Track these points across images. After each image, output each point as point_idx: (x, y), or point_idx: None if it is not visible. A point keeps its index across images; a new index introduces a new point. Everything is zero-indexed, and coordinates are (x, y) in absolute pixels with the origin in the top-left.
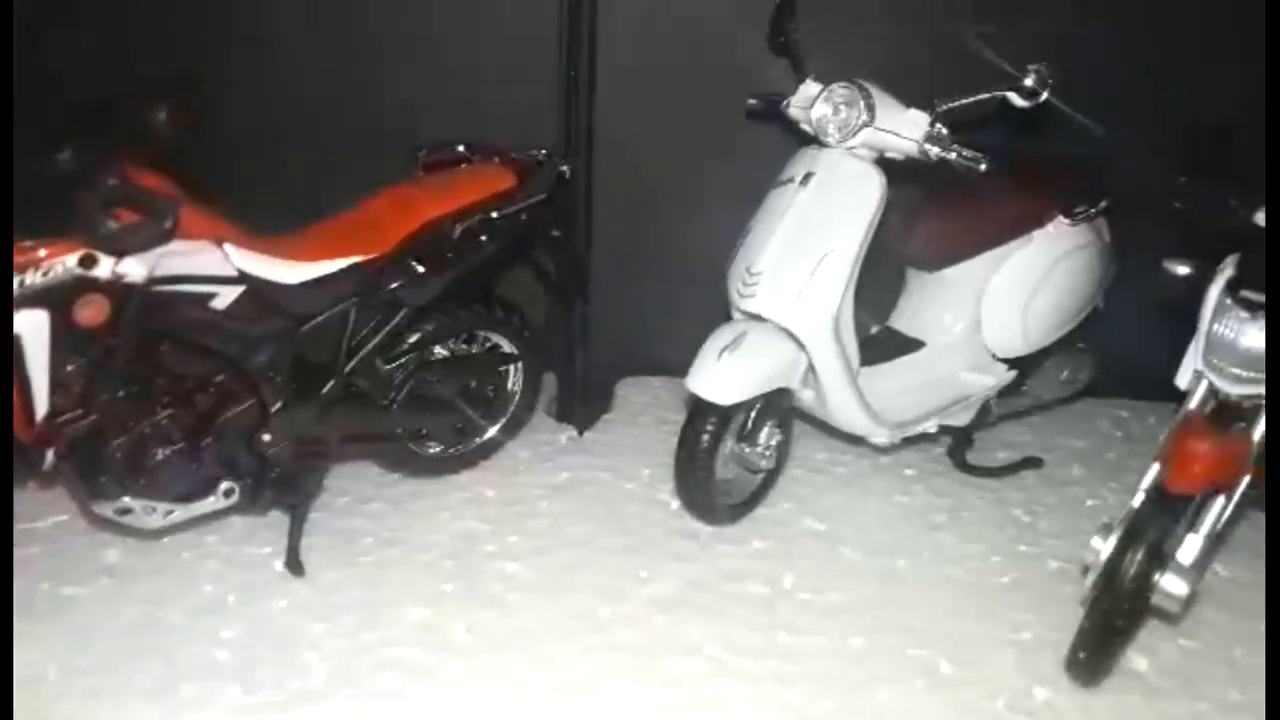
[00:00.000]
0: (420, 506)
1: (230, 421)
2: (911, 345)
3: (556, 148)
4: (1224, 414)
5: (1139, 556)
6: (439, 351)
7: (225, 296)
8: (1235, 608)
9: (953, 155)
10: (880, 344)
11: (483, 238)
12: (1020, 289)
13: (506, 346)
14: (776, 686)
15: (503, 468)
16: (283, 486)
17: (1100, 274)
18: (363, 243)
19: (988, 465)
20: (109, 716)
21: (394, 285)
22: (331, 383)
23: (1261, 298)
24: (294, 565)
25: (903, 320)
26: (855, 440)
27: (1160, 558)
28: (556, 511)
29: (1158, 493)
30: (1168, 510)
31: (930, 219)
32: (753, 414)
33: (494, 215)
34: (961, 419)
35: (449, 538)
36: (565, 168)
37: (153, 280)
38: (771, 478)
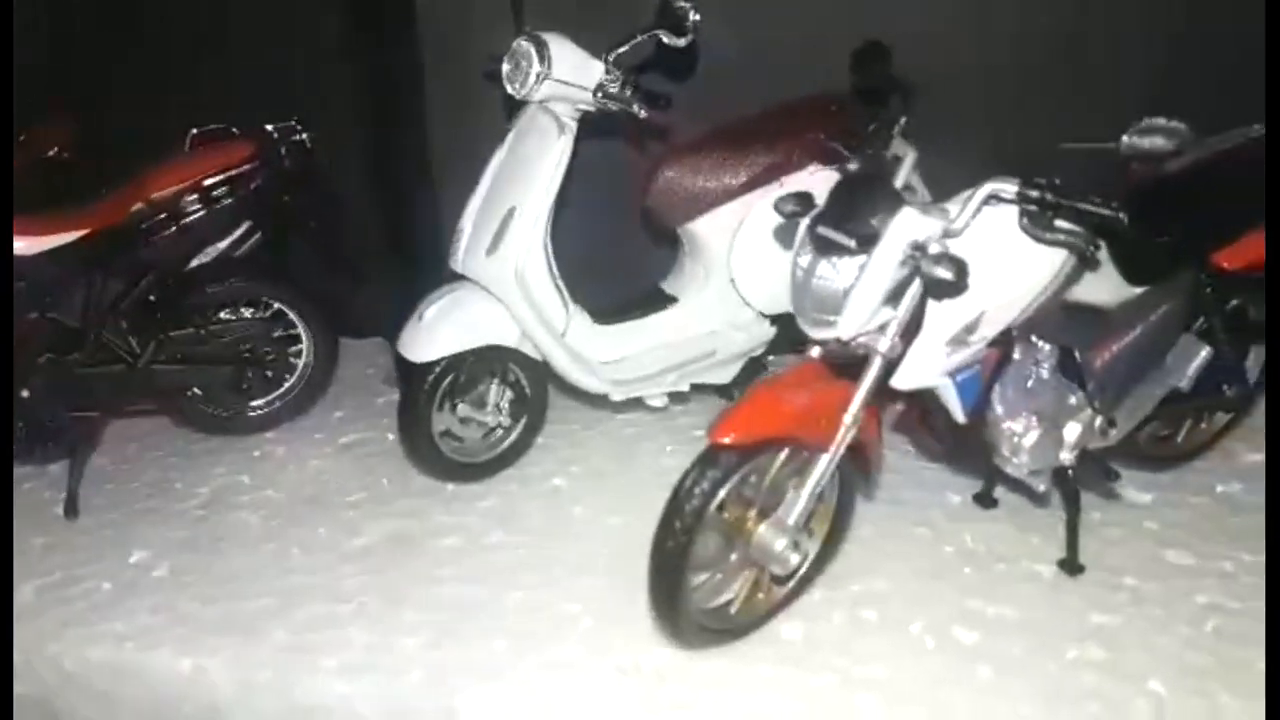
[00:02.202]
0: (210, 460)
1: None
2: (663, 302)
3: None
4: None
5: (686, 506)
6: (224, 316)
7: None
8: (957, 584)
9: (617, 105)
10: (635, 301)
11: (200, 207)
12: (772, 240)
13: (290, 314)
14: (399, 636)
15: (305, 428)
16: (57, 438)
17: None
18: (96, 216)
19: None
20: None
21: (123, 252)
22: (81, 344)
23: (834, 234)
24: (70, 509)
25: (668, 277)
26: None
27: (753, 510)
28: (322, 469)
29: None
30: (721, 460)
31: (670, 170)
32: (464, 372)
33: (206, 183)
34: (720, 377)
35: (213, 490)
36: (303, 136)
37: None
38: (525, 436)
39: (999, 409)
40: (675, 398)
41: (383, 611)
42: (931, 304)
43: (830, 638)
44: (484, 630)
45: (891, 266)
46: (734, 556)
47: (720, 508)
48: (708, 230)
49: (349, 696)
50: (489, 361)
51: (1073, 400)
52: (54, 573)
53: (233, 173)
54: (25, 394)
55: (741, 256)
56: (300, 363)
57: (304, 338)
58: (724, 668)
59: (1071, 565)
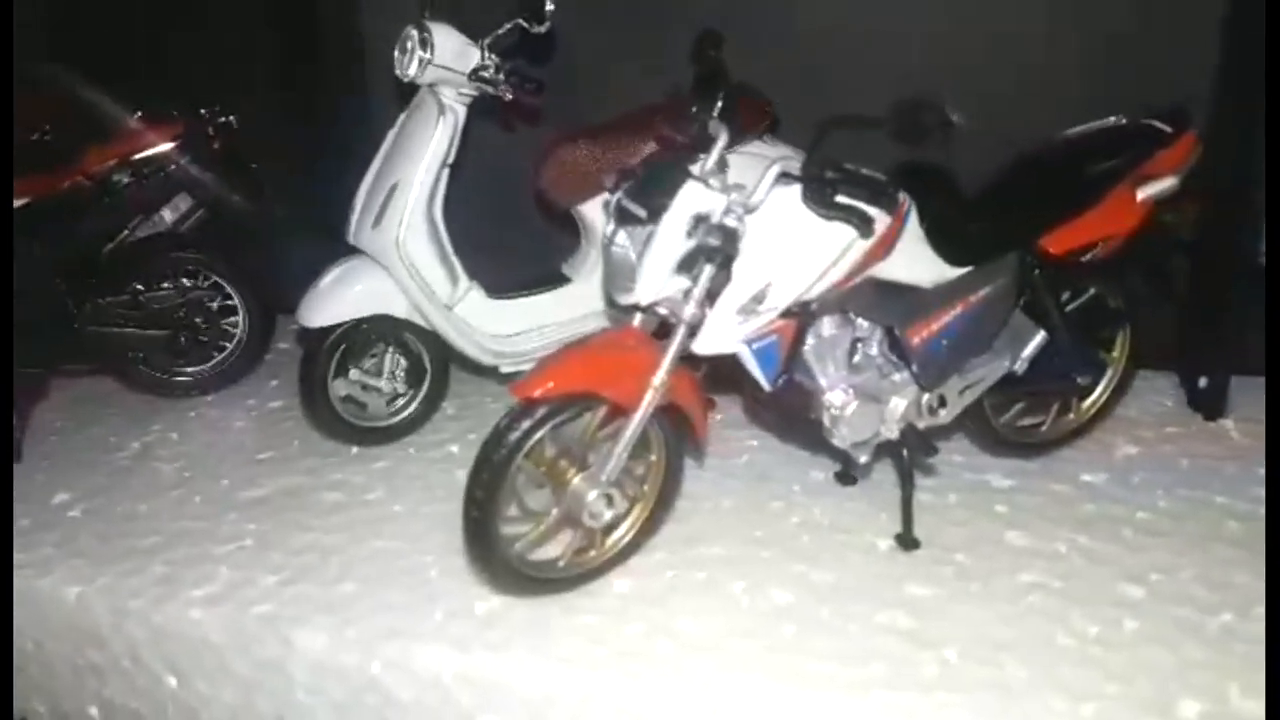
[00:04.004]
0: (149, 419)
1: None
2: (556, 281)
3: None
4: None
5: (494, 456)
6: (164, 286)
7: None
8: (791, 552)
9: (490, 89)
10: (531, 279)
11: (130, 180)
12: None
13: (227, 287)
14: (262, 574)
15: (241, 393)
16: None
17: None
18: (37, 186)
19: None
20: None
21: (58, 221)
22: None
23: (631, 206)
24: (15, 455)
25: (569, 258)
26: None
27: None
28: (240, 429)
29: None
30: (529, 413)
31: (560, 155)
32: (358, 338)
33: (134, 159)
34: None
35: (143, 444)
36: (230, 118)
37: None
38: (428, 404)
39: (821, 381)
40: None
41: (254, 553)
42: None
43: (654, 593)
44: (338, 574)
45: (678, 236)
46: (556, 511)
47: (539, 462)
48: (595, 213)
49: (203, 623)
50: (383, 330)
51: (896, 377)
52: None
53: (160, 150)
54: None
55: None
56: (236, 332)
57: (239, 309)
58: (547, 615)
59: (906, 540)
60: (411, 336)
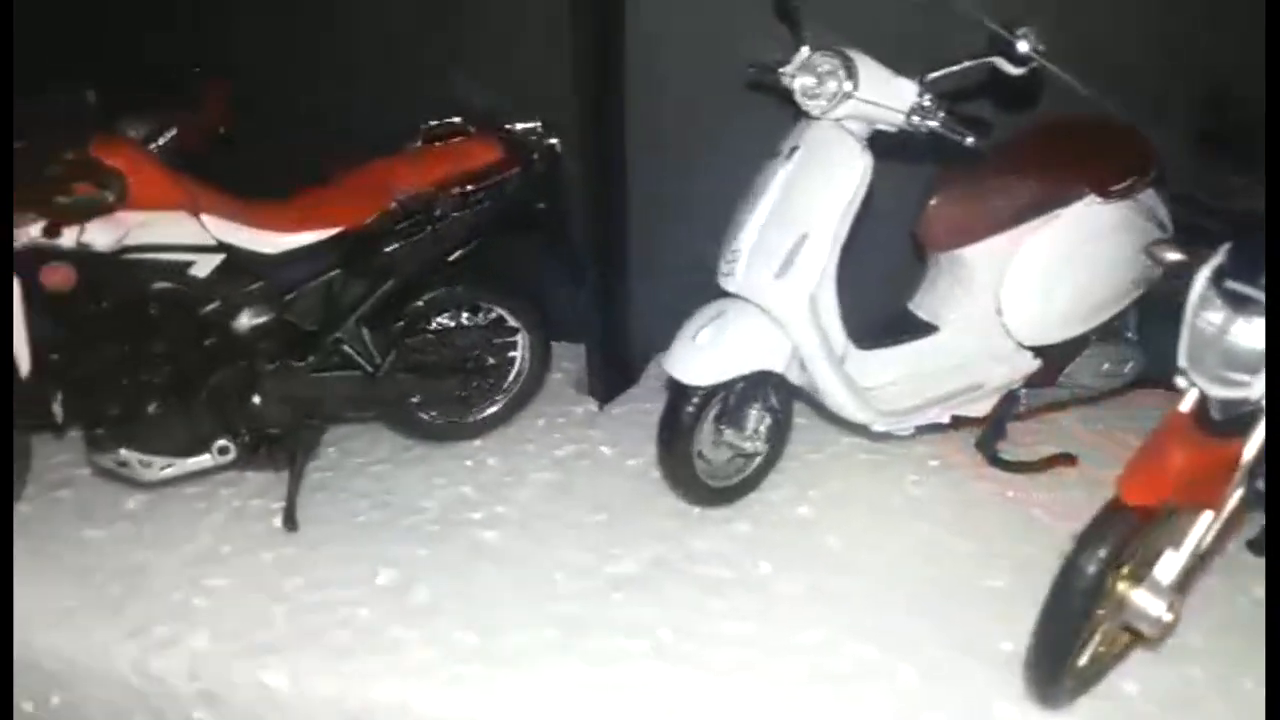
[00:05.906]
0: (423, 471)
1: (221, 382)
2: (922, 330)
3: (551, 122)
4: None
5: (1089, 567)
6: (442, 322)
7: (204, 264)
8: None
9: (938, 128)
10: (891, 327)
11: (456, 210)
12: (1043, 274)
13: (511, 320)
14: (706, 676)
15: (511, 437)
16: (279, 446)
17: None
18: (345, 214)
19: (1021, 460)
20: (85, 650)
21: (373, 255)
22: (317, 349)
23: (1249, 290)
24: (289, 521)
25: (920, 303)
26: None
27: (1123, 569)
28: (548, 483)
29: (1118, 500)
30: (1125, 520)
31: (944, 195)
32: (733, 396)
33: (469, 188)
34: (977, 410)
35: (439, 504)
36: (554, 141)
37: (125, 249)
38: (770, 461)
39: None
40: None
41: (677, 648)
42: None
43: (1167, 693)
44: (800, 674)
45: None
46: (1100, 613)
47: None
48: (977, 258)
49: None
50: (756, 386)
51: None
52: (296, 595)
53: (495, 177)
54: (257, 399)
55: (1013, 288)
56: (514, 370)
57: (520, 344)
58: None
59: None
60: (772, 391)
